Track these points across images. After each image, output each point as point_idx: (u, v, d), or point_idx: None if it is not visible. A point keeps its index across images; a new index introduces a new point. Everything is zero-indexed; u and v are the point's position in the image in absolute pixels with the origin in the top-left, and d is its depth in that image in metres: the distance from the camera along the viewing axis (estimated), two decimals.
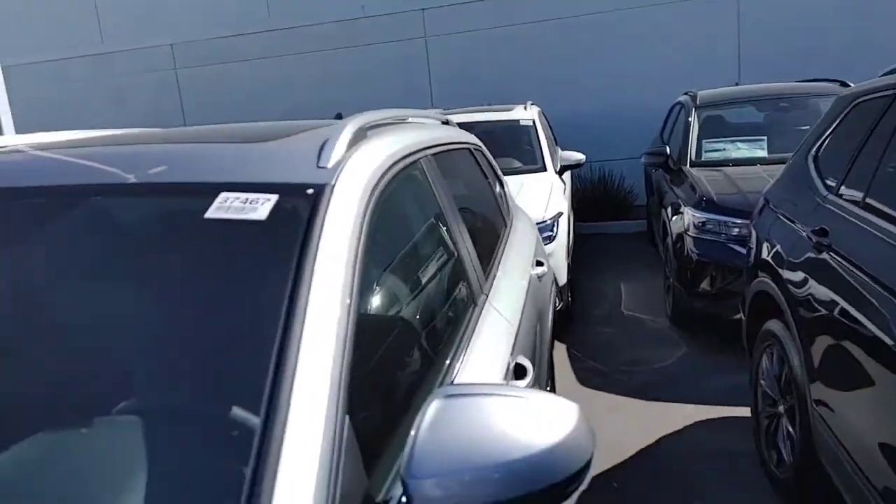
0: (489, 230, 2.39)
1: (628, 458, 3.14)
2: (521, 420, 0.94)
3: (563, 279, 4.68)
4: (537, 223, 4.53)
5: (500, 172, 3.04)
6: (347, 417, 0.94)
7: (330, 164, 1.28)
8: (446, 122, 2.65)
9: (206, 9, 10.55)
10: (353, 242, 1.15)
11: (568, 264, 5.01)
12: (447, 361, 1.42)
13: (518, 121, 6.07)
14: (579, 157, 5.85)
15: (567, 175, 6.46)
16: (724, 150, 5.26)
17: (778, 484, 2.72)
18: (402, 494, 0.91)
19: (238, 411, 0.90)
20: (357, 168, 1.31)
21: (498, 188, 2.83)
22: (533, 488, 0.88)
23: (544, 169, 5.57)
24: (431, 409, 0.94)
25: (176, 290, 1.13)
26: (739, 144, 5.26)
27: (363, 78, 10.04)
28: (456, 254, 1.74)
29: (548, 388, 3.00)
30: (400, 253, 1.54)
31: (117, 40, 10.97)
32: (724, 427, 3.35)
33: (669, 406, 3.61)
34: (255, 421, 0.87)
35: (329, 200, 1.18)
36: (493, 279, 1.96)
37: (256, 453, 0.83)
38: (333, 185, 1.22)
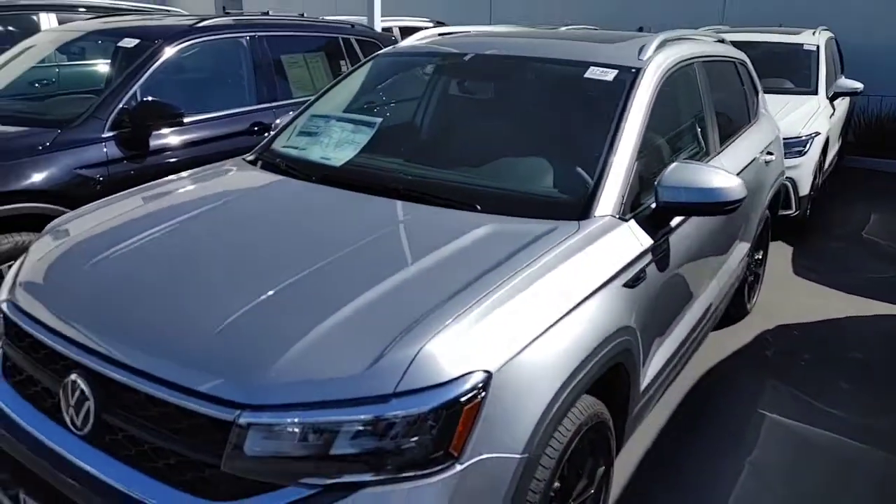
0: (734, 120, 3.43)
1: (811, 326, 4.04)
2: (717, 176, 2.15)
3: (804, 190, 5.37)
4: (792, 137, 5.27)
5: (757, 83, 3.96)
6: (635, 168, 2.23)
7: (644, 58, 2.52)
8: (721, 41, 3.66)
9: None
10: (649, 98, 2.40)
11: (817, 182, 5.63)
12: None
13: (802, 45, 6.47)
14: (856, 85, 6.15)
15: (843, 102, 6.74)
16: None
17: None
18: (654, 200, 2.20)
19: (585, 168, 2.24)
20: (657, 62, 2.54)
21: (750, 94, 3.78)
22: (716, 200, 2.11)
23: (815, 93, 6.03)
24: (672, 165, 2.20)
25: (567, 111, 2.52)
26: None
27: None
28: (704, 123, 2.90)
29: (756, 257, 4.01)
30: (671, 112, 2.76)
31: None
32: None
33: (868, 302, 4.34)
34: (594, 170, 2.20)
35: (642, 75, 2.44)
36: (725, 147, 3.07)
37: (595, 181, 2.16)
38: (644, 69, 2.47)
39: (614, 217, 2.08)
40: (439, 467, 1.40)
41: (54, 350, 1.65)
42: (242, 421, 1.38)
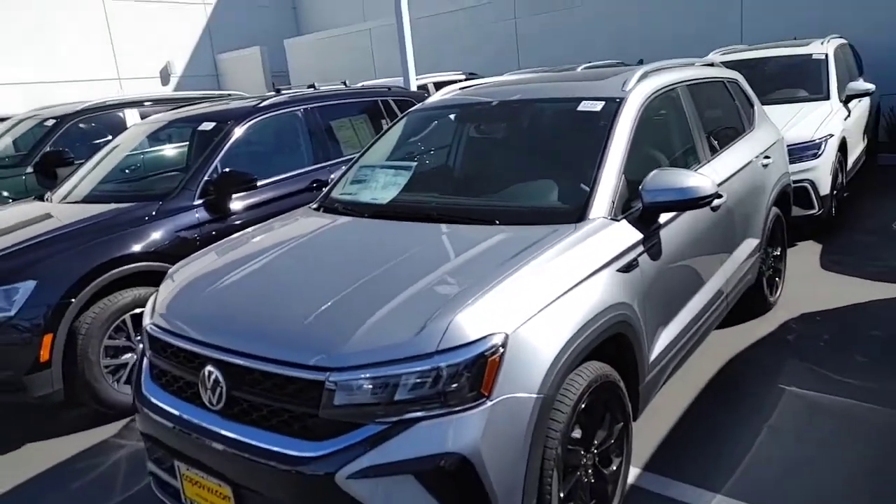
0: (726, 132, 3.88)
1: (833, 312, 4.35)
2: (691, 177, 2.64)
3: (824, 190, 5.68)
4: (805, 142, 5.65)
5: (751, 97, 4.41)
6: (624, 177, 2.74)
7: (627, 89, 3.05)
8: (711, 65, 4.16)
9: None
10: (632, 121, 2.92)
11: (840, 181, 5.94)
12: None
13: (811, 55, 6.85)
14: (867, 86, 6.47)
15: (862, 104, 7.03)
16: None
17: None
18: (640, 202, 2.69)
19: (582, 182, 2.76)
20: (638, 92, 3.06)
21: (743, 107, 4.23)
22: (690, 196, 2.60)
23: (828, 98, 6.37)
24: (653, 172, 2.69)
25: (566, 138, 3.06)
26: None
27: (676, 19, 11.11)
28: (691, 137, 3.38)
29: (775, 253, 4.38)
30: (657, 130, 3.26)
31: None
32: None
33: (891, 286, 4.59)
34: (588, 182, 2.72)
35: (624, 104, 2.97)
36: (715, 156, 3.53)
37: (589, 191, 2.67)
38: (626, 98, 3.00)
39: (606, 218, 2.59)
40: (474, 404, 1.92)
41: (192, 352, 2.26)
42: (331, 380, 1.93)
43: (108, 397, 3.66)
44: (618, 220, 2.62)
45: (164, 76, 19.04)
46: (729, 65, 6.90)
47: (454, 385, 1.91)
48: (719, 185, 3.26)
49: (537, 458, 2.03)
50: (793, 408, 3.24)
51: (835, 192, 5.94)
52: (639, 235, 2.63)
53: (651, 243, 2.69)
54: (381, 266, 2.38)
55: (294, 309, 2.21)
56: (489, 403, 1.93)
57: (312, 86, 5.79)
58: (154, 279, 3.78)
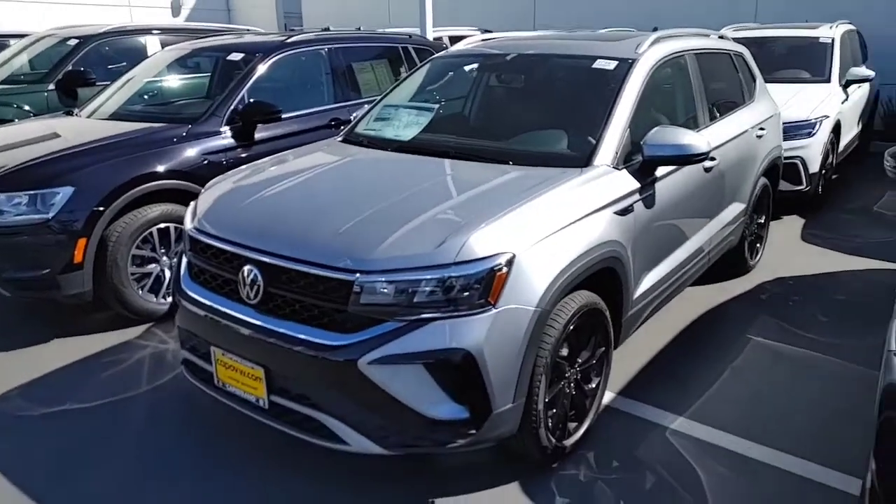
0: (727, 101, 4.14)
1: (806, 278, 4.69)
2: (687, 135, 2.92)
3: (814, 168, 5.96)
4: (801, 120, 5.91)
5: (754, 71, 4.66)
6: (629, 132, 3.02)
7: (639, 52, 3.30)
8: (721, 37, 4.40)
9: None
10: (642, 82, 3.18)
11: (830, 161, 6.23)
12: None
13: (818, 38, 7.05)
14: (867, 73, 6.71)
15: (861, 90, 7.27)
16: None
17: None
18: (641, 155, 2.98)
19: (591, 134, 3.03)
20: (650, 55, 3.31)
21: (746, 80, 4.48)
22: (685, 153, 2.89)
23: (829, 81, 6.61)
24: (654, 129, 2.97)
25: (579, 93, 3.32)
26: None
27: None
28: (693, 102, 3.65)
29: (759, 220, 4.69)
30: (664, 92, 3.52)
31: None
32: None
33: (864, 260, 4.94)
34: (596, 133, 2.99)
35: (636, 65, 3.22)
36: (714, 121, 3.80)
37: (596, 141, 2.95)
38: (638, 60, 3.25)
39: (609, 167, 2.87)
40: (481, 310, 2.23)
41: (233, 253, 2.55)
42: (358, 281, 2.24)
43: (132, 302, 3.97)
44: (619, 170, 2.90)
45: (175, 7, 18.88)
46: (739, 41, 7.14)
47: (465, 293, 2.22)
48: (714, 149, 3.55)
49: (530, 362, 2.35)
50: (757, 354, 3.60)
51: (824, 171, 6.23)
52: (636, 185, 2.92)
53: (647, 193, 2.98)
54: (404, 192, 2.67)
55: (328, 221, 2.49)
56: (494, 311, 2.24)
57: (327, 29, 5.95)
58: (180, 197, 4.08)
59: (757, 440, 2.83)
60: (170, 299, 4.07)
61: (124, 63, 6.86)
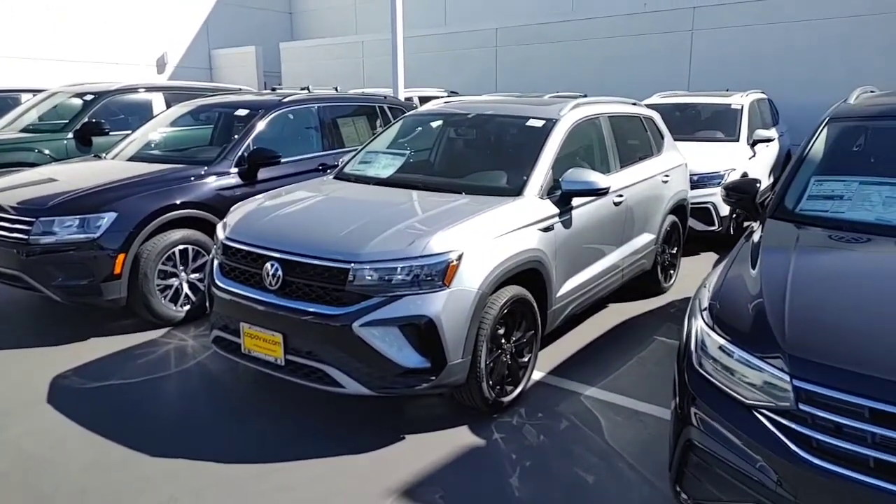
0: (636, 154, 5.27)
1: None
2: (592, 175, 3.98)
3: (724, 212, 7.15)
4: (712, 172, 7.12)
5: (662, 130, 5.83)
6: (551, 172, 4.07)
7: (561, 114, 4.41)
8: (634, 104, 5.57)
9: (525, 4, 14.07)
10: (562, 136, 4.27)
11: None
12: None
13: (730, 105, 8.40)
14: (769, 134, 8.03)
15: (772, 147, 8.59)
16: None
17: None
18: (560, 189, 4.03)
19: (523, 173, 4.08)
20: (569, 116, 4.42)
21: (654, 137, 5.64)
22: (591, 187, 3.95)
23: (737, 140, 7.90)
24: (570, 170, 4.04)
25: (516, 143, 4.40)
26: None
27: (636, 62, 12.69)
28: (605, 152, 4.75)
29: (671, 251, 5.78)
30: (581, 144, 4.62)
31: (457, 24, 15.11)
32: None
33: None
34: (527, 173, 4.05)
35: (558, 123, 4.32)
36: (623, 168, 4.90)
37: (526, 179, 4.00)
38: (560, 120, 4.35)
39: (536, 196, 3.91)
40: (440, 289, 3.19)
41: (259, 254, 3.49)
42: (352, 269, 3.19)
43: (156, 308, 4.83)
44: (543, 199, 3.95)
45: (160, 65, 20.03)
46: (665, 106, 8.50)
47: (428, 278, 3.19)
48: (622, 188, 4.64)
49: (474, 329, 3.32)
50: (658, 348, 4.61)
51: (734, 214, 7.42)
52: (556, 210, 3.96)
53: (565, 217, 4.03)
54: (384, 211, 3.67)
55: (329, 229, 3.47)
56: (448, 290, 3.21)
57: (306, 88, 7.01)
58: (197, 224, 5.01)
59: (645, 400, 3.80)
60: (186, 308, 4.95)
61: (134, 116, 7.87)
